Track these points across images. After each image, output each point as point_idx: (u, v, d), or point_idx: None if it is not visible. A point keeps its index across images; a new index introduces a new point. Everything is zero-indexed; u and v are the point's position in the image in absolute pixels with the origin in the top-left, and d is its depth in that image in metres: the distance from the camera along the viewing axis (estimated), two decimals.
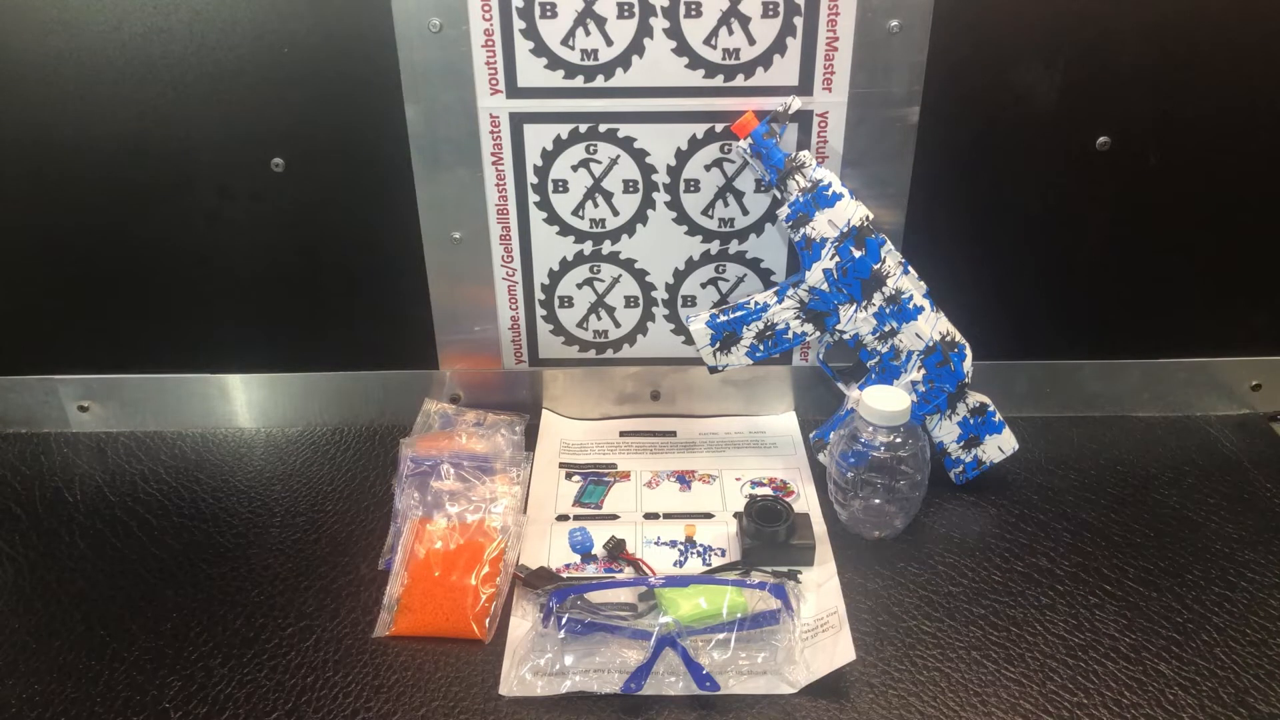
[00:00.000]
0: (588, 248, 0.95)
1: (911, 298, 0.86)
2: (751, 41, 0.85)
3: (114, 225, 0.93)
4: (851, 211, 0.84)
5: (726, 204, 0.92)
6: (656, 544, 0.86)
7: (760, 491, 0.92)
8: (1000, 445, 0.91)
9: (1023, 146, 0.90)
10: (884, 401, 0.82)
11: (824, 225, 0.85)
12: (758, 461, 0.97)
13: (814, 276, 0.87)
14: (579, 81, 0.86)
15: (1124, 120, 0.89)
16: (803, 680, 0.71)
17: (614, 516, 0.89)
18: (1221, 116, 0.89)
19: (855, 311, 0.87)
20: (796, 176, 0.85)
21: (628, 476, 0.95)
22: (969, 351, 0.88)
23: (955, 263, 0.92)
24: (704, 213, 0.93)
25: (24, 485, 0.94)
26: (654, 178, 0.91)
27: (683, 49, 0.85)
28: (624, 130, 0.89)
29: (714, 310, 0.90)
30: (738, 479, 0.94)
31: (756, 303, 0.89)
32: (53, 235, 0.93)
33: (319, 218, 0.93)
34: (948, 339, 0.87)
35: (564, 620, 0.73)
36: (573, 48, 0.85)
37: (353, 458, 0.98)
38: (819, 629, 0.75)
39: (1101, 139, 0.89)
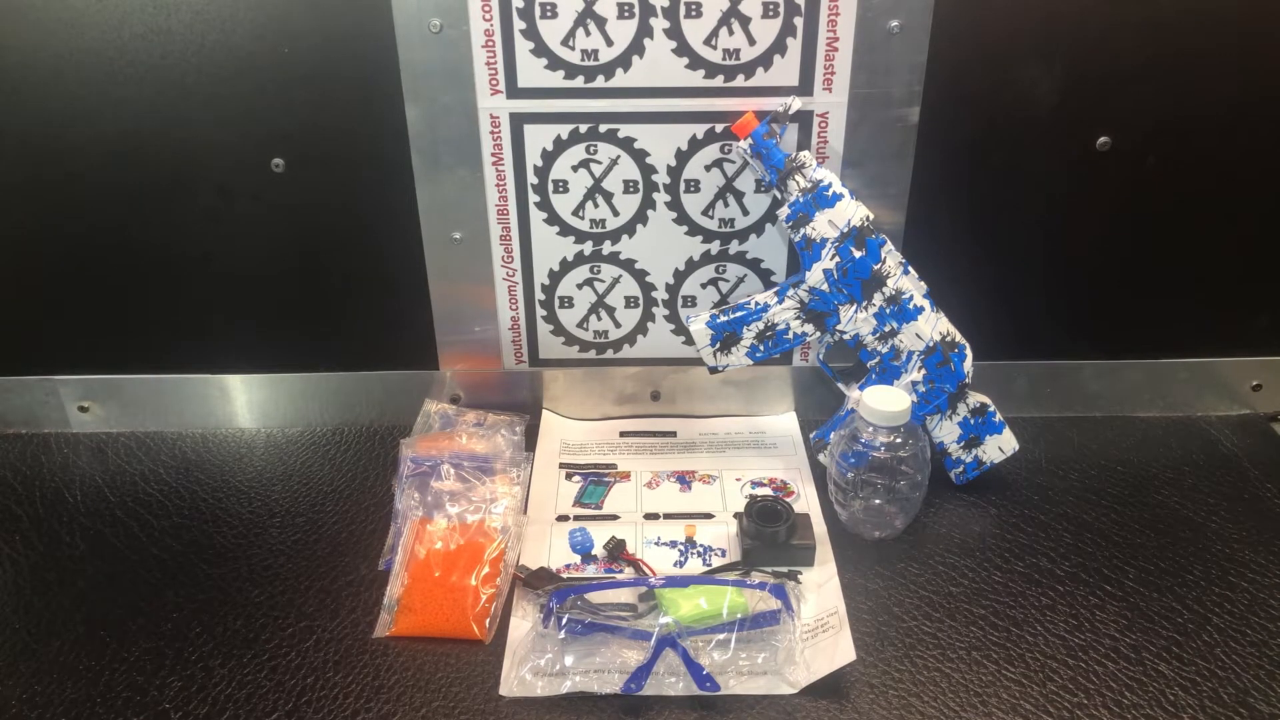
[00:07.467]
0: (588, 248, 0.95)
1: (912, 298, 0.86)
2: (752, 42, 0.85)
3: (114, 225, 0.93)
4: (852, 212, 0.84)
5: (726, 204, 0.92)
6: (657, 544, 0.86)
7: (760, 492, 0.92)
8: (1001, 445, 0.91)
9: (1023, 146, 0.90)
10: (884, 402, 0.82)
11: (824, 225, 0.85)
12: (758, 462, 0.97)
13: (814, 277, 0.87)
14: (579, 82, 0.86)
15: (1124, 120, 0.89)
16: (803, 680, 0.70)
17: (614, 517, 0.89)
18: (1221, 116, 0.89)
19: (855, 312, 0.87)
20: (797, 177, 0.85)
21: (628, 477, 0.95)
22: (969, 352, 0.88)
23: (955, 263, 0.92)
24: (704, 213, 0.93)
25: (24, 485, 0.94)
26: (654, 178, 0.91)
27: (683, 49, 0.85)
28: (624, 130, 0.89)
29: (714, 310, 0.90)
30: (738, 479, 0.94)
31: (757, 303, 0.89)
32: (53, 235, 0.93)
33: (319, 218, 0.93)
34: (948, 339, 0.87)
35: (564, 621, 0.73)
36: (573, 48, 0.85)
37: (353, 458, 0.98)
38: (819, 629, 0.75)
39: (1101, 139, 0.89)
